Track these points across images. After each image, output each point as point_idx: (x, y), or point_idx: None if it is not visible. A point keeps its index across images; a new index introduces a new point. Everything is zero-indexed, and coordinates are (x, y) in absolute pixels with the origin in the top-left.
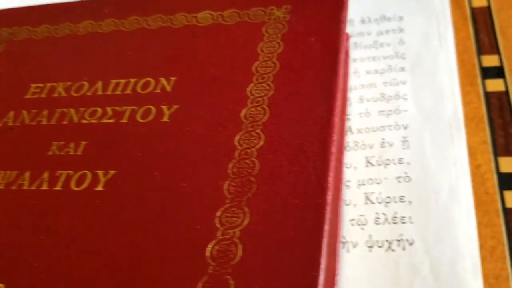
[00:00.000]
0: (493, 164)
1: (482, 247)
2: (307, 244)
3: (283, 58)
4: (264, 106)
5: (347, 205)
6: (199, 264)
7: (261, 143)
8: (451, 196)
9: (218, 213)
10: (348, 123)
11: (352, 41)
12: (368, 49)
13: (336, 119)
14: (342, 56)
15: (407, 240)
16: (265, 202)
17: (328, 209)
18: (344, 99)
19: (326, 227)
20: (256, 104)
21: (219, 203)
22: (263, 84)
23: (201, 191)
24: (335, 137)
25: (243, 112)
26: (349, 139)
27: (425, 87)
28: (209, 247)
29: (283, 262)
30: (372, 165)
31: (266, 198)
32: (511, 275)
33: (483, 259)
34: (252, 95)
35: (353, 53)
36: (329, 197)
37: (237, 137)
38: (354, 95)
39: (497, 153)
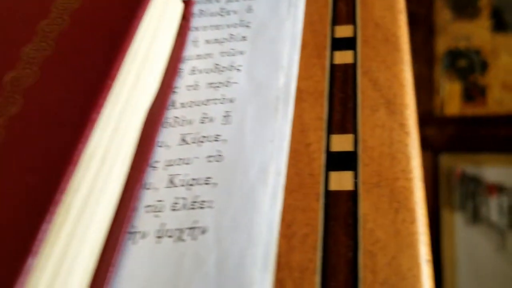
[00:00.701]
0: (324, 143)
1: (294, 235)
2: (17, 232)
3: (76, 15)
4: (35, 69)
5: (147, 189)
6: None
7: (16, 110)
8: (259, 178)
9: None
10: (174, 97)
11: (198, 8)
12: (213, 17)
13: (111, 84)
14: (142, 14)
15: (201, 228)
16: None
17: (63, 190)
18: (174, 71)
19: (54, 209)
20: (26, 66)
21: None
22: (43, 44)
23: None
24: (103, 104)
25: (8, 75)
26: (170, 114)
27: (262, 57)
28: None
29: None
30: (187, 143)
31: None
32: (319, 267)
33: (293, 249)
34: (27, 56)
35: (197, 21)
36: (72, 174)
37: None
38: (187, 66)
39: (331, 131)
